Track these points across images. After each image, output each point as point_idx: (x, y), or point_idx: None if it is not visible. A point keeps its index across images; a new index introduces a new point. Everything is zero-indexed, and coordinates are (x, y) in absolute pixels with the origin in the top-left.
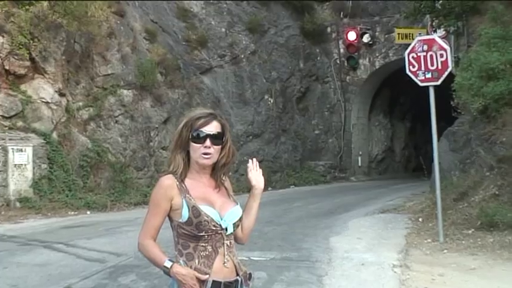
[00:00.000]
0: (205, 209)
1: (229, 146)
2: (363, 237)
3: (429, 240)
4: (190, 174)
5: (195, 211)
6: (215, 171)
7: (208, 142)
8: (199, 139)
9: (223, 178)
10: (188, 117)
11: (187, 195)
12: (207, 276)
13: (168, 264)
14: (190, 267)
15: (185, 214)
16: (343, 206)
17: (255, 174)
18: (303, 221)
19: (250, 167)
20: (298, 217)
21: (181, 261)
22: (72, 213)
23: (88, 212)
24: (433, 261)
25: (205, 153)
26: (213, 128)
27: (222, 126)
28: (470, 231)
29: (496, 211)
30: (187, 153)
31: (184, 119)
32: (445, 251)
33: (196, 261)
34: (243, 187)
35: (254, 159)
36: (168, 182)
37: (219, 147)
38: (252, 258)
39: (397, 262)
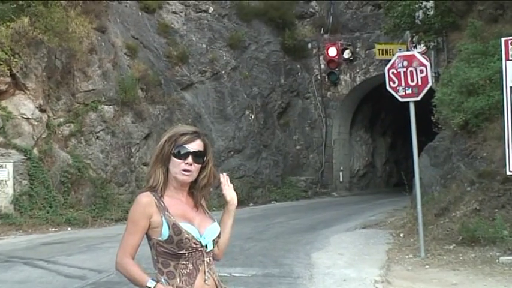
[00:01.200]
0: (185, 226)
1: (211, 168)
2: (344, 252)
3: (411, 255)
4: (169, 191)
5: (175, 229)
6: (194, 191)
7: (190, 159)
8: (181, 155)
9: (202, 200)
10: (172, 132)
11: (166, 212)
12: None
13: (151, 284)
14: (172, 285)
15: (165, 232)
16: (325, 221)
17: (229, 190)
18: (284, 237)
19: (224, 182)
20: (279, 233)
21: (162, 279)
22: (53, 229)
23: (69, 229)
24: (415, 277)
25: (185, 169)
26: (196, 146)
27: (205, 146)
28: (451, 247)
29: (477, 226)
30: (167, 169)
31: (168, 134)
32: (427, 266)
33: (178, 279)
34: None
35: (225, 174)
36: (146, 199)
37: (200, 166)
38: (233, 274)
39: (379, 278)
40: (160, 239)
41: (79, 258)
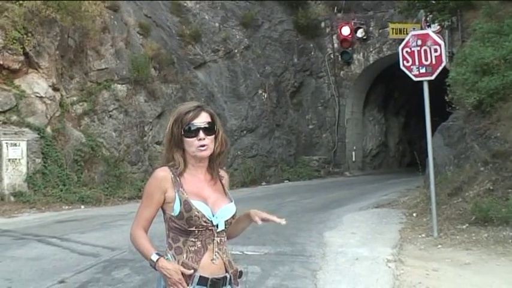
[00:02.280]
0: (197, 204)
1: (221, 135)
2: (357, 232)
3: (423, 235)
4: (187, 169)
5: (186, 206)
6: (211, 163)
7: (201, 134)
8: (192, 133)
9: (221, 174)
10: (176, 113)
11: (180, 189)
12: (192, 271)
13: (154, 257)
14: (178, 261)
15: (177, 208)
16: (338, 200)
17: (261, 217)
18: (297, 216)
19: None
20: (292, 212)
21: (169, 254)
22: (66, 207)
23: (82, 207)
24: (427, 256)
25: (201, 145)
26: (203, 119)
27: (211, 116)
28: (464, 226)
29: (491, 206)
30: (183, 150)
31: (173, 117)
32: (439, 246)
33: (185, 255)
34: (237, 182)
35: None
36: (162, 173)
37: (213, 137)
38: (245, 252)
39: (391, 257)
40: (172, 214)
41: (92, 235)
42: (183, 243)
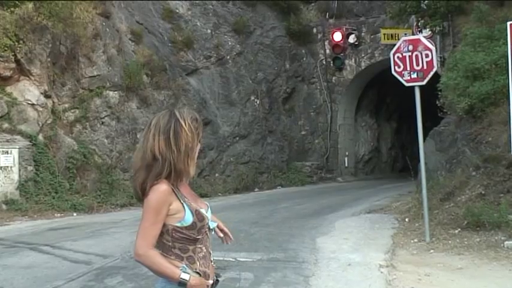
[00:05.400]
0: (204, 212)
1: None
2: (349, 237)
3: (416, 240)
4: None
5: (199, 215)
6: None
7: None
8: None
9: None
10: (197, 120)
11: (186, 199)
12: (211, 281)
13: (185, 276)
14: (194, 270)
15: (189, 218)
16: (330, 206)
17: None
18: (289, 222)
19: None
20: (284, 218)
21: (184, 266)
22: (59, 215)
23: (74, 214)
24: (420, 261)
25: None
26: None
27: None
28: (456, 231)
29: (482, 211)
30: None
31: (193, 121)
32: (432, 250)
33: (198, 263)
34: (230, 188)
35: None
36: (166, 187)
37: None
38: (238, 259)
39: (384, 262)
40: (178, 225)
41: (85, 243)
42: (193, 251)
